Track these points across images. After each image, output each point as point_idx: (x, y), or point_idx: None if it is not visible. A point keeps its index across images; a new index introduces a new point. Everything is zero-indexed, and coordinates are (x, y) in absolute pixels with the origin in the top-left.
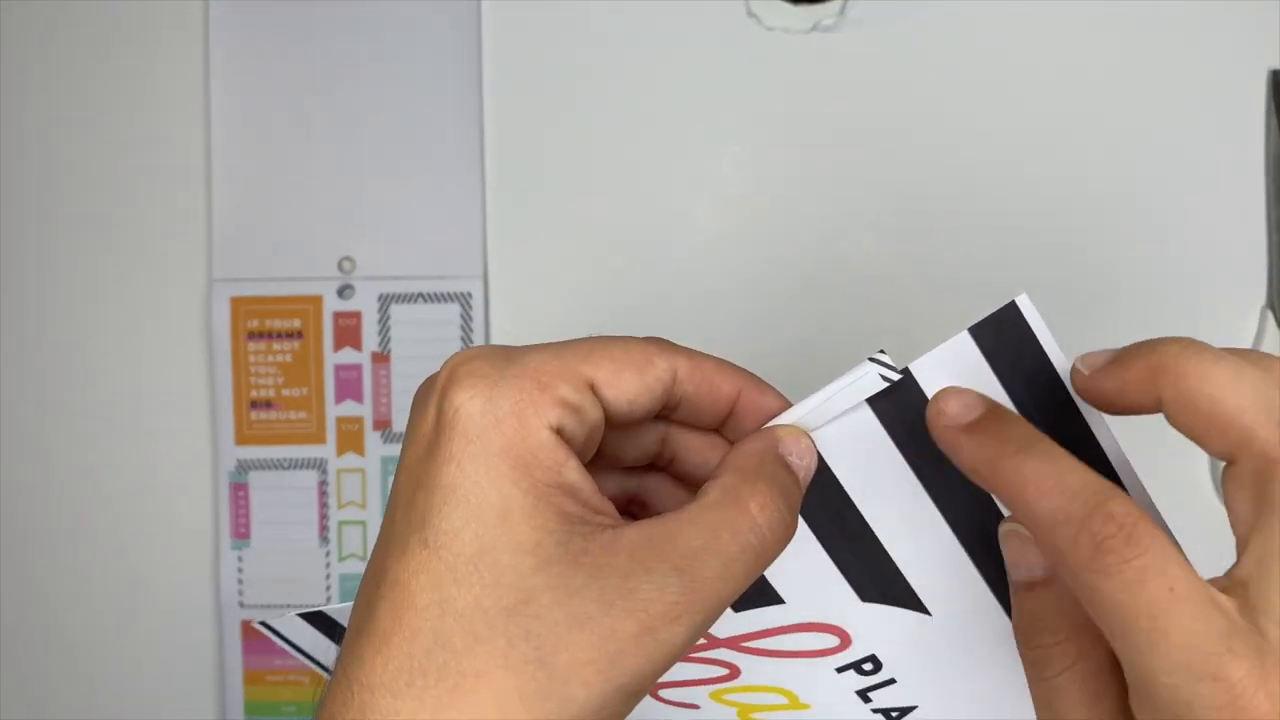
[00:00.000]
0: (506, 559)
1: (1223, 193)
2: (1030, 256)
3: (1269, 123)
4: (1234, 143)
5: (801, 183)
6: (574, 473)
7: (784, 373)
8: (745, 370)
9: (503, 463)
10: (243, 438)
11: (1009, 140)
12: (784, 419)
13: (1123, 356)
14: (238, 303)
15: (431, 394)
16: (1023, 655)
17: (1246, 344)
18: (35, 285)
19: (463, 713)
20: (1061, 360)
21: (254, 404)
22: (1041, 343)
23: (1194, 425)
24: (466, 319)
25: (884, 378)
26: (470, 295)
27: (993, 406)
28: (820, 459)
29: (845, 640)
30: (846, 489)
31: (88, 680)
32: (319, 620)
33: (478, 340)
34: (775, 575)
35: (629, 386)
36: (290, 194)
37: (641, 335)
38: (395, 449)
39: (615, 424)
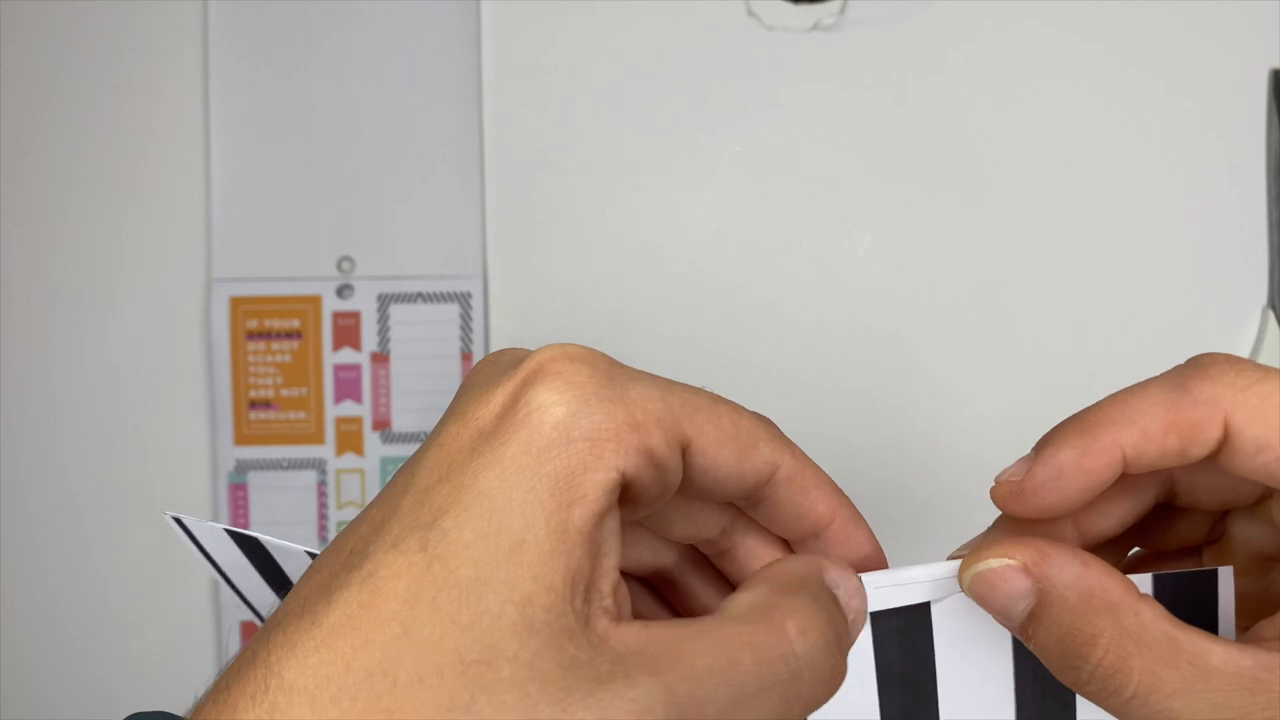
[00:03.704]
0: (492, 602)
1: (1224, 192)
2: (1031, 256)
3: (1270, 122)
4: (1235, 142)
5: (801, 182)
6: (612, 535)
7: (784, 373)
8: (844, 495)
9: (546, 489)
10: (242, 438)
11: (1008, 139)
12: (877, 577)
13: (1086, 425)
14: (237, 302)
15: (507, 379)
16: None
17: (1247, 344)
18: (35, 285)
19: None
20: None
21: (253, 404)
22: (1220, 615)
23: (1275, 464)
24: (466, 319)
25: None
26: (470, 295)
27: (1042, 590)
28: (929, 623)
29: None
30: (937, 663)
31: (86, 680)
32: (247, 544)
33: (476, 340)
34: None
35: (724, 464)
36: (290, 194)
37: (719, 394)
38: (395, 449)
39: (684, 494)
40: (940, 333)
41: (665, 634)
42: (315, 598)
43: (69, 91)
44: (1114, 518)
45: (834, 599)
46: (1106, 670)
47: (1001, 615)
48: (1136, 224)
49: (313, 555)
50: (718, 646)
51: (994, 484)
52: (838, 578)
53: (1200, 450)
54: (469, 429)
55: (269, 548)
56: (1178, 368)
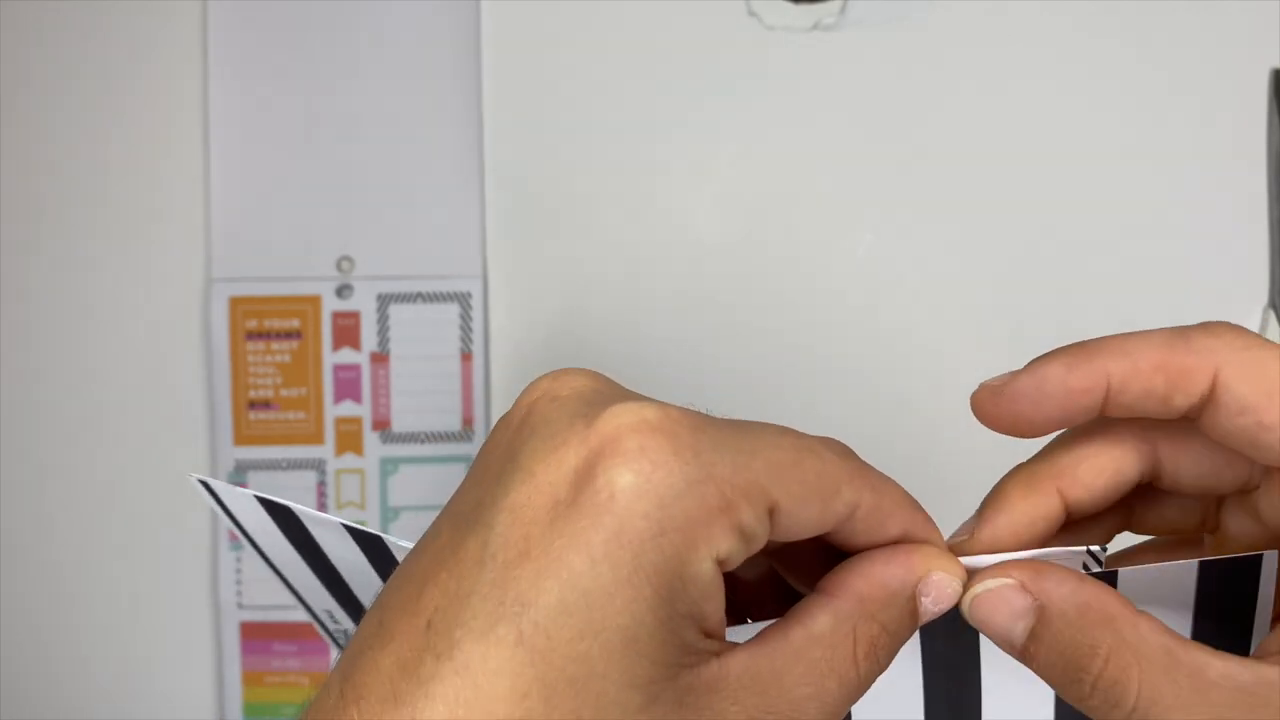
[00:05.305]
0: (614, 691)
1: (1224, 192)
2: (1031, 255)
3: (1270, 122)
4: (1235, 142)
5: (802, 182)
6: (713, 604)
7: (783, 373)
8: (920, 513)
9: (648, 585)
10: (241, 438)
11: (1009, 139)
12: None
13: (1088, 353)
14: (236, 302)
15: (577, 440)
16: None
17: None
18: (34, 285)
19: None
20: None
21: (252, 404)
22: (1258, 606)
23: (1256, 429)
24: (465, 319)
25: (1085, 566)
26: (469, 295)
27: (1041, 619)
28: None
29: None
30: (982, 660)
31: (87, 681)
32: (279, 513)
33: (476, 340)
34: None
35: (806, 519)
36: (289, 194)
37: (768, 418)
38: (394, 449)
39: None
40: (940, 332)
41: (766, 661)
42: (403, 682)
43: (68, 91)
44: (1098, 484)
45: (912, 614)
46: (1107, 681)
47: (1003, 637)
48: (1137, 224)
49: (348, 528)
50: (810, 671)
51: (975, 389)
52: (933, 585)
53: (1183, 400)
54: (542, 495)
55: (302, 518)
56: (1184, 325)
